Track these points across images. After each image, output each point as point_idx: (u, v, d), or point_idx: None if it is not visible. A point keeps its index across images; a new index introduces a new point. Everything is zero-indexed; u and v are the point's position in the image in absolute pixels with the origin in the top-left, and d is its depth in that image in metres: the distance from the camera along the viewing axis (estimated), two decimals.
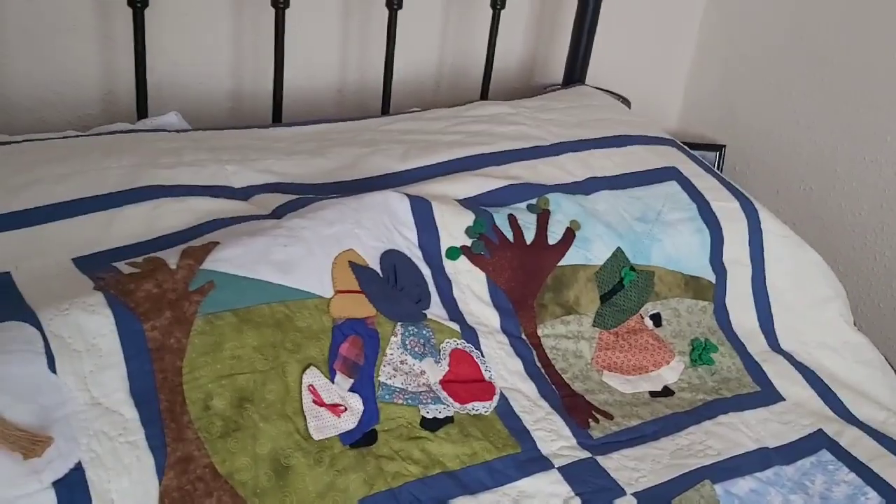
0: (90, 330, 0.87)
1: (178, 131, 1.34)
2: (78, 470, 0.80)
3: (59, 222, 1.05)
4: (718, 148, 2.05)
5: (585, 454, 1.08)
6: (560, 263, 1.27)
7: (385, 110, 1.64)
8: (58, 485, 0.78)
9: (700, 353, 1.30)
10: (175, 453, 0.86)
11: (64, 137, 1.26)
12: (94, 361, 0.86)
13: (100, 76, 1.48)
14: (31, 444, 0.76)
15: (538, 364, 1.20)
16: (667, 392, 1.24)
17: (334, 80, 1.72)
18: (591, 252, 1.30)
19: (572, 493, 1.02)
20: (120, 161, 1.17)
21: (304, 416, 0.94)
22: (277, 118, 1.55)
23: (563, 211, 1.32)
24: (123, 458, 0.83)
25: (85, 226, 1.05)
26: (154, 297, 0.92)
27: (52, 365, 0.83)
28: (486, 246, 1.23)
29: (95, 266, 0.99)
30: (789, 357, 1.34)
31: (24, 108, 1.44)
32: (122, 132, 1.31)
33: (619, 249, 1.33)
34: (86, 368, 0.85)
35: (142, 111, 1.43)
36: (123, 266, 0.97)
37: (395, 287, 1.11)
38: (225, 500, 0.86)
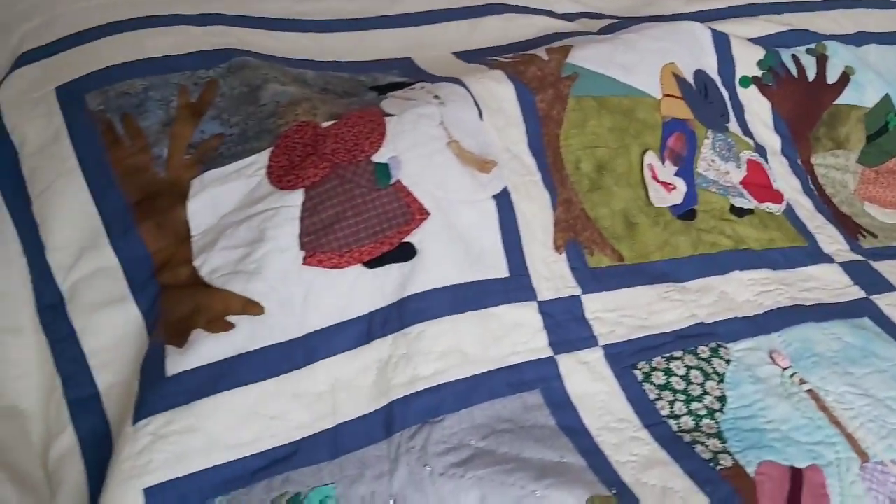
0: (498, 95, 1.10)
1: None
2: (506, 193, 1.05)
3: (434, 25, 1.28)
4: None
5: (859, 257, 1.26)
6: (835, 102, 1.43)
7: None
8: (496, 198, 1.04)
9: None
10: (561, 195, 1.09)
11: None
12: (503, 119, 1.09)
13: None
14: (482, 164, 1.01)
15: (812, 186, 1.37)
16: None
17: None
18: (862, 95, 1.45)
19: (851, 283, 1.20)
20: None
21: (645, 187, 1.16)
22: None
23: (839, 56, 1.45)
24: (531, 192, 1.07)
25: (454, 30, 1.28)
26: (539, 77, 1.14)
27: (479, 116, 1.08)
28: (774, 78, 1.39)
29: (471, 59, 1.22)
30: None
31: None
32: None
33: (886, 96, 1.46)
34: (499, 123, 1.08)
35: None
36: (502, 58, 1.19)
37: (707, 100, 1.29)
38: (595, 235, 1.09)
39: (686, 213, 1.19)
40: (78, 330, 0.95)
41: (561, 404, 0.97)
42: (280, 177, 0.98)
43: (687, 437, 0.97)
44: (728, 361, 1.05)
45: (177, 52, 1.11)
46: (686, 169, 1.21)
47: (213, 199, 0.98)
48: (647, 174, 1.17)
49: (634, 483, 0.90)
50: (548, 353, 1.00)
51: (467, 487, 0.87)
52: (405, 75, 1.17)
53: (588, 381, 1.00)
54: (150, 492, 0.83)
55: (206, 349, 0.89)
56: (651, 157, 1.18)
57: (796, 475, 0.94)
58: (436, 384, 0.93)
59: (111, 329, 0.95)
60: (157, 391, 0.87)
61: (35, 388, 0.94)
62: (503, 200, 1.04)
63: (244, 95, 1.06)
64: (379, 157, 1.00)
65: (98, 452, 0.89)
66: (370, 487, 0.88)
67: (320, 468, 0.89)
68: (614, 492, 0.88)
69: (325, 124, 1.02)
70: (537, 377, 0.98)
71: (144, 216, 0.98)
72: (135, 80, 1.07)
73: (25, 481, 0.85)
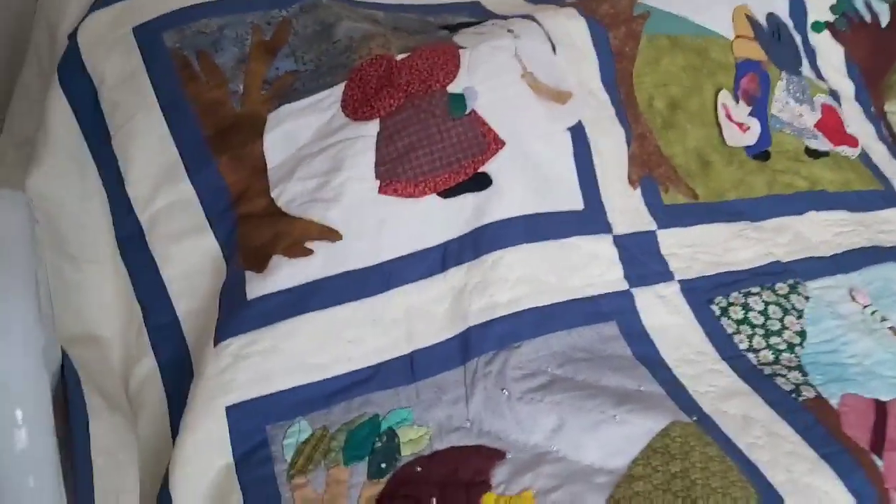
0: (571, 31, 1.09)
1: None
2: (580, 127, 1.04)
3: None
4: None
5: None
6: None
7: None
8: (571, 130, 1.03)
9: None
10: (635, 131, 1.08)
11: None
12: (577, 54, 1.08)
13: None
14: (558, 95, 1.00)
15: (885, 132, 1.33)
16: None
17: None
18: None
19: None
20: None
21: (719, 126, 1.14)
22: None
23: None
24: (605, 126, 1.06)
25: None
26: (611, 15, 1.13)
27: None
28: (847, 23, 1.35)
29: (541, 0, 1.21)
30: None
31: None
32: None
33: None
34: (572, 58, 1.07)
35: None
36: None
37: (780, 42, 1.26)
38: (669, 171, 1.08)
39: (760, 153, 1.16)
40: (157, 259, 0.96)
41: (637, 336, 0.96)
42: (355, 109, 0.99)
43: (767, 370, 0.95)
44: (807, 298, 1.03)
45: None
46: (760, 110, 1.19)
47: (288, 132, 0.99)
48: (721, 114, 1.15)
49: (714, 412, 0.89)
50: (623, 285, 0.99)
51: (545, 411, 0.87)
52: (474, 17, 1.17)
53: (664, 314, 0.98)
54: (232, 410, 0.84)
55: (285, 274, 0.90)
56: (725, 97, 1.16)
57: (880, 407, 0.92)
58: (512, 311, 0.93)
59: (189, 258, 0.96)
60: (239, 314, 0.88)
61: (115, 316, 0.96)
62: (578, 133, 1.03)
63: (317, 33, 1.07)
64: (454, 87, 1.00)
65: (177, 376, 0.90)
66: (447, 411, 0.88)
67: (397, 392, 0.89)
68: (695, 419, 0.87)
69: (399, 57, 1.02)
70: (613, 309, 0.97)
71: (221, 150, 0.99)
72: (210, 19, 1.07)
73: (112, 402, 0.87)
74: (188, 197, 0.98)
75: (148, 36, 1.06)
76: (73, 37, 1.04)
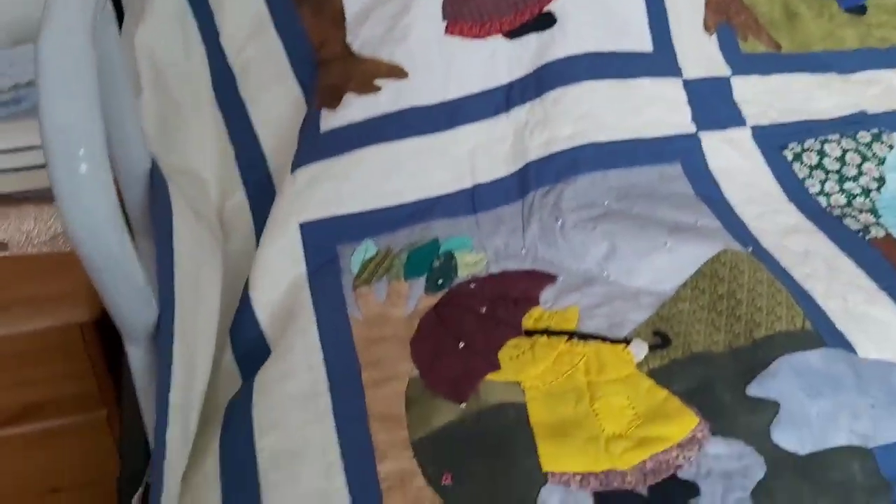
0: None
1: None
2: None
3: None
4: None
5: None
6: None
7: None
8: None
9: None
10: None
11: None
12: None
13: None
14: None
15: None
16: None
17: None
18: None
19: None
20: None
21: None
22: None
23: None
24: None
25: None
26: None
27: None
28: None
29: None
30: None
31: None
32: None
33: None
34: None
35: None
36: None
37: None
38: (750, 20, 1.05)
39: (856, 7, 1.11)
40: (247, 104, 1.05)
41: (701, 176, 0.96)
42: None
43: (836, 212, 0.93)
44: (891, 147, 0.99)
45: None
46: None
47: None
48: None
49: (773, 245, 0.88)
50: (691, 128, 0.98)
51: (598, 239, 0.89)
52: None
53: (732, 157, 0.98)
54: (305, 227, 0.91)
55: (355, 108, 0.96)
56: None
57: None
58: (572, 146, 0.95)
59: (276, 104, 1.04)
60: (313, 144, 0.95)
61: (212, 157, 1.05)
62: None
63: None
64: None
65: (263, 205, 0.99)
66: (503, 240, 0.92)
67: (458, 221, 0.94)
68: (750, 249, 0.87)
69: None
70: (677, 150, 0.97)
71: (303, 3, 1.06)
72: None
73: (202, 221, 0.96)
74: (275, 47, 1.05)
75: None
76: None
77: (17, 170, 1.18)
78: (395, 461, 0.71)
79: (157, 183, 0.83)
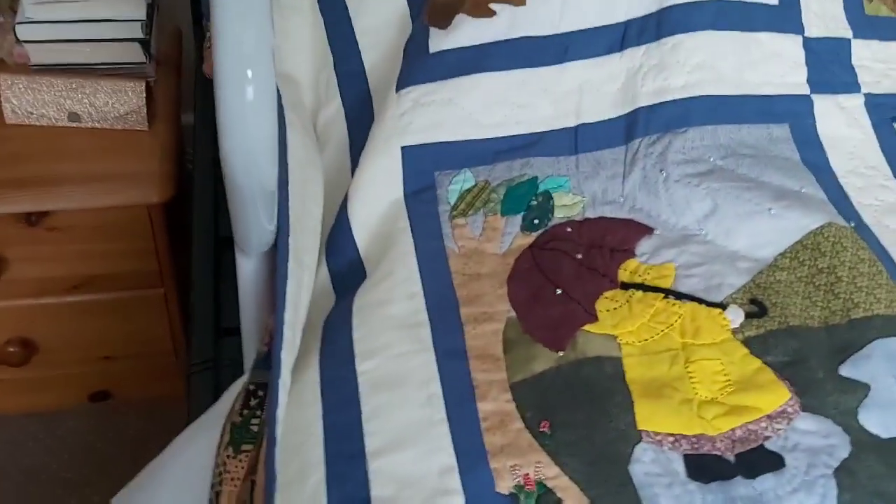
0: None
1: None
2: None
3: None
4: None
5: None
6: None
7: None
8: None
9: None
10: None
11: None
12: None
13: None
14: None
15: None
16: None
17: None
18: None
19: None
20: None
21: None
22: None
23: None
24: None
25: None
26: None
27: None
28: None
29: None
30: None
31: None
32: None
33: None
34: None
35: None
36: None
37: None
38: None
39: None
40: (351, 12, 1.02)
41: (809, 141, 0.94)
42: None
43: None
44: None
45: None
46: None
47: None
48: None
49: (874, 223, 0.88)
50: (805, 90, 0.96)
51: (700, 196, 0.88)
52: None
53: (842, 125, 0.96)
54: (407, 150, 0.91)
55: (467, 31, 0.94)
56: None
57: None
58: (685, 97, 0.93)
59: (380, 12, 1.01)
60: (421, 65, 0.94)
61: (308, 60, 1.04)
62: None
63: None
64: None
65: (359, 119, 0.98)
66: (602, 185, 0.91)
67: (558, 160, 0.93)
68: (852, 225, 0.87)
69: None
70: (789, 111, 0.95)
71: None
72: None
73: (305, 129, 0.96)
74: None
75: None
76: None
77: (90, 41, 1.17)
78: (495, 402, 0.73)
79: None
